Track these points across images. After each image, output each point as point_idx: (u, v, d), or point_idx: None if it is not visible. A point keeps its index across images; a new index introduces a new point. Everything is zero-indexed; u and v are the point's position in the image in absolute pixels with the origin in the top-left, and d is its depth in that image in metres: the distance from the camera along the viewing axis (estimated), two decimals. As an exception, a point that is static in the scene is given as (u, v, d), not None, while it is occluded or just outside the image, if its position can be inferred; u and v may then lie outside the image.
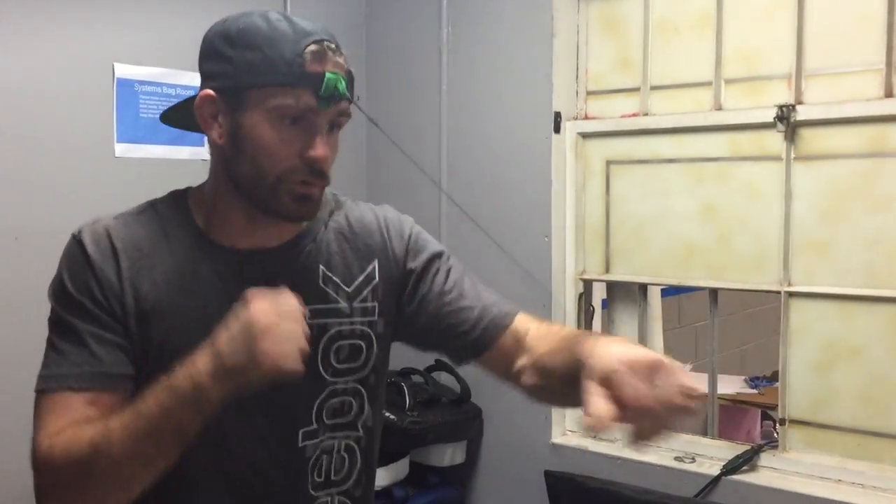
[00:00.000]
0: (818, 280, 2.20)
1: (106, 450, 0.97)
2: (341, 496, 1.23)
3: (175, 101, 2.45)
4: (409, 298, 1.23)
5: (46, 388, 1.05)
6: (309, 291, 1.13)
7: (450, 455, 2.68)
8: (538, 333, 1.20)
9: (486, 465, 2.79)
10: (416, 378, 2.73)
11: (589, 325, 2.75)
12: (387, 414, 2.52)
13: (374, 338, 1.21)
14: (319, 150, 1.06)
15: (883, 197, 2.09)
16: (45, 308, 1.06)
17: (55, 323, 1.09)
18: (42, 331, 1.10)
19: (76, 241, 1.10)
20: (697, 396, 0.87)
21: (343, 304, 1.17)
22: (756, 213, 2.30)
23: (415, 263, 1.24)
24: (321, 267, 1.17)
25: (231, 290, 1.06)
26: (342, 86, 1.05)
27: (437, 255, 1.26)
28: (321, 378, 1.17)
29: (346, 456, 1.22)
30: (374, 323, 1.21)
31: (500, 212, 2.72)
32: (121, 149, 2.34)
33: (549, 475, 2.48)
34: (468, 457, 2.75)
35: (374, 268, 1.21)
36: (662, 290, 3.13)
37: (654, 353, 0.91)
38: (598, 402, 0.84)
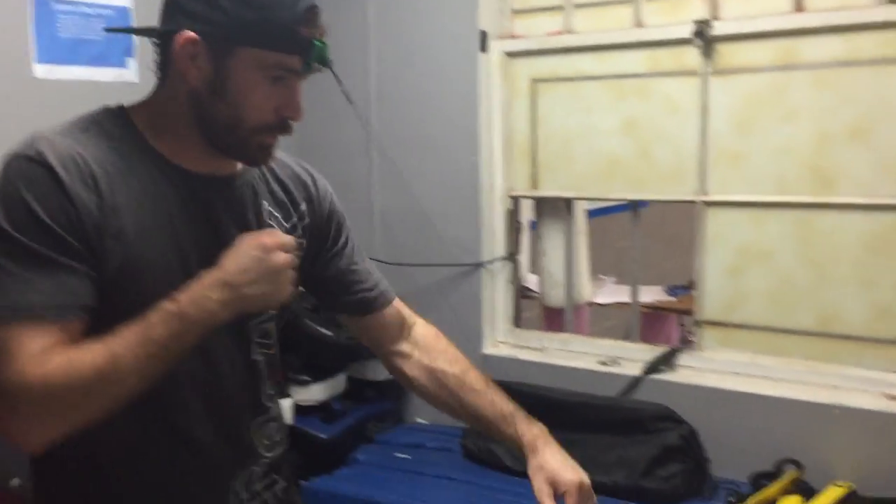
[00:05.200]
0: (732, 189, 2.33)
1: (112, 371, 0.99)
2: (279, 401, 1.33)
3: (94, 20, 2.42)
4: (324, 250, 1.35)
5: (12, 318, 0.99)
6: (259, 223, 1.22)
7: (385, 370, 2.75)
8: (429, 338, 1.43)
9: (421, 378, 2.88)
10: (351, 297, 2.78)
11: (517, 242, 2.84)
12: (324, 330, 2.58)
13: (298, 271, 1.28)
14: (299, 110, 1.13)
15: (792, 108, 2.21)
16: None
17: (12, 251, 1.00)
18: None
19: (38, 163, 1.02)
20: None
21: None
22: (675, 126, 2.40)
23: (334, 221, 1.36)
24: (264, 202, 1.24)
25: (193, 212, 1.13)
26: (327, 54, 1.12)
27: (347, 222, 1.40)
28: None
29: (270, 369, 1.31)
30: (301, 258, 1.28)
31: (430, 132, 2.76)
32: (41, 70, 2.27)
33: (481, 384, 2.58)
34: (403, 371, 2.84)
35: (304, 210, 1.30)
36: (587, 211, 3.25)
37: (581, 473, 1.29)
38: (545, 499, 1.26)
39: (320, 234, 1.33)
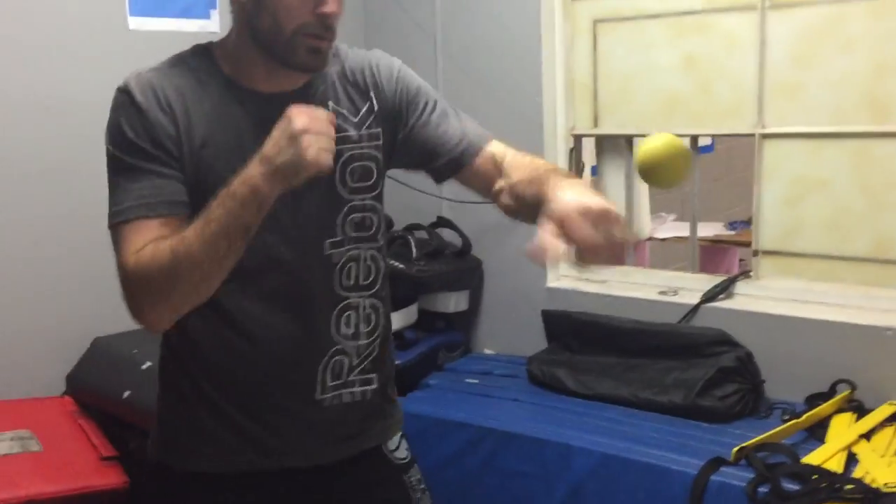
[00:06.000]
0: (790, 121, 2.39)
1: (185, 253, 1.16)
2: (372, 298, 1.43)
3: (181, -26, 2.58)
4: (402, 126, 1.41)
5: (122, 219, 1.22)
6: None
7: (454, 302, 2.91)
8: (515, 161, 1.38)
9: (488, 310, 3.02)
10: (420, 233, 2.93)
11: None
12: (395, 263, 2.73)
13: (380, 159, 1.40)
14: (331, 6, 1.24)
15: (849, 39, 2.26)
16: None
17: (118, 167, 1.25)
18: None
19: (124, 92, 1.25)
20: (623, 229, 1.11)
21: (352, 132, 1.37)
22: (733, 61, 2.46)
23: (405, 95, 1.41)
24: (330, 103, 1.36)
25: (258, 126, 1.24)
26: None
27: (423, 88, 1.45)
28: (339, 196, 1.37)
29: (371, 265, 1.42)
30: (379, 146, 1.40)
31: (493, 72, 2.86)
32: (134, 22, 2.47)
33: (546, 313, 2.72)
34: (471, 304, 2.99)
35: (373, 100, 1.39)
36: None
37: (603, 200, 1.10)
38: (547, 238, 1.07)
39: (396, 115, 1.40)
